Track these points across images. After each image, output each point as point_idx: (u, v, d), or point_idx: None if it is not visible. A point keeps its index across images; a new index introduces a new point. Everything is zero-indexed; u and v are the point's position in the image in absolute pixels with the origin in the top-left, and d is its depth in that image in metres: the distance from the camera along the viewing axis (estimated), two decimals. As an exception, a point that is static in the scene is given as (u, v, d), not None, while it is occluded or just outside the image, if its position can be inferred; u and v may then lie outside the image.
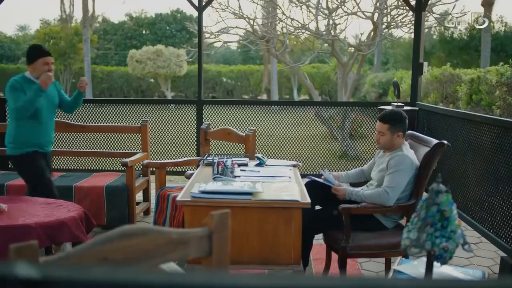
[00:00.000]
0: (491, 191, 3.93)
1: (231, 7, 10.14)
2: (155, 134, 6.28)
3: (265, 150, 6.34)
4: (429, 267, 1.76)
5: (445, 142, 3.06)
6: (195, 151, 6.08)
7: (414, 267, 2.17)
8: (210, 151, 4.48)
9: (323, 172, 3.38)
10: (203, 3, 6.04)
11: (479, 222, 4.15)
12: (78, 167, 6.27)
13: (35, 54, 3.80)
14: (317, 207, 3.33)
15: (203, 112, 6.09)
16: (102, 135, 6.18)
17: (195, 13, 6.24)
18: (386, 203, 2.98)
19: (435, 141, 3.10)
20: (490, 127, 3.97)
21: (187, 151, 6.41)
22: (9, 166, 6.07)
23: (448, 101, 10.07)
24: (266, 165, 3.55)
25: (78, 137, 6.39)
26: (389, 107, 5.40)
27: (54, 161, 6.32)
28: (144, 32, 33.28)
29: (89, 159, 6.38)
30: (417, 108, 5.56)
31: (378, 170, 3.20)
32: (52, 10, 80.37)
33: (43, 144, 3.90)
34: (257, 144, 5.88)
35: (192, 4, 5.98)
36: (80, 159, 6.36)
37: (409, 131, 3.49)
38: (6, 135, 3.88)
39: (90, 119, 6.37)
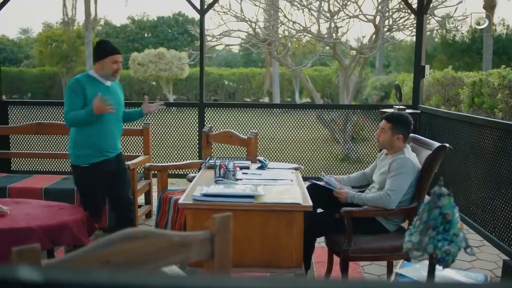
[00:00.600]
0: (494, 194, 3.92)
1: (233, 10, 10.15)
2: (157, 137, 6.29)
3: (267, 153, 6.34)
4: (431, 270, 1.75)
5: (447, 145, 3.06)
6: (197, 154, 6.09)
7: (416, 270, 2.17)
8: (212, 154, 4.48)
9: (323, 175, 3.38)
10: (205, 6, 6.06)
11: (481, 225, 4.14)
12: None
13: (104, 51, 3.46)
14: (319, 210, 3.32)
15: (205, 115, 6.10)
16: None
17: (197, 16, 6.26)
18: (388, 206, 2.98)
19: (437, 144, 3.09)
20: (492, 130, 3.97)
21: (189, 154, 6.41)
22: (11, 168, 6.09)
23: (450, 104, 10.06)
24: (268, 168, 3.55)
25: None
26: (391, 110, 5.39)
27: (57, 164, 6.34)
28: (146, 35, 33.39)
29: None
30: (419, 111, 5.55)
31: (380, 173, 3.20)
32: (54, 13, 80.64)
33: (106, 149, 3.50)
34: (259, 147, 5.87)
35: (194, 7, 5.99)
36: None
37: (411, 134, 3.49)
38: (69, 141, 3.59)
39: (92, 122, 6.38)
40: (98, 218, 3.60)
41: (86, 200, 3.56)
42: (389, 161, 3.13)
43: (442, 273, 1.93)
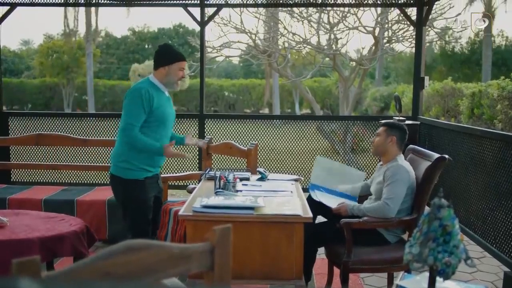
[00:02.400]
0: (494, 205, 3.92)
1: (233, 22, 10.22)
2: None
3: (267, 164, 6.34)
4: (431, 282, 1.75)
5: (447, 156, 3.06)
6: (197, 165, 6.09)
7: (417, 282, 2.16)
8: (212, 165, 4.48)
9: (311, 191, 3.40)
10: (205, 18, 6.10)
11: (482, 236, 4.13)
12: (80, 181, 6.28)
13: (172, 56, 3.21)
14: (321, 219, 3.33)
15: (205, 126, 6.11)
16: (104, 149, 6.18)
17: (197, 28, 6.29)
18: (388, 215, 2.98)
19: (436, 155, 3.10)
20: (491, 141, 3.97)
21: (189, 165, 6.41)
22: (11, 179, 6.09)
23: (450, 115, 10.09)
24: (268, 179, 3.55)
25: (80, 151, 6.40)
26: (391, 122, 5.41)
27: (56, 175, 6.33)
28: (146, 46, 33.53)
29: (91, 173, 6.39)
30: (418, 122, 5.56)
31: (376, 183, 3.22)
32: (55, 25, 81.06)
33: (160, 163, 3.31)
34: (259, 158, 5.87)
35: (195, 19, 6.03)
36: (82, 173, 6.37)
37: (411, 145, 3.50)
38: (115, 150, 3.23)
39: (92, 133, 6.40)
40: (148, 237, 3.22)
41: (137, 220, 3.20)
42: (383, 170, 3.15)
43: (442, 285, 1.93)
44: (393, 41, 10.22)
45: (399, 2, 5.97)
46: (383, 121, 3.38)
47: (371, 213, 3.03)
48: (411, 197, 3.09)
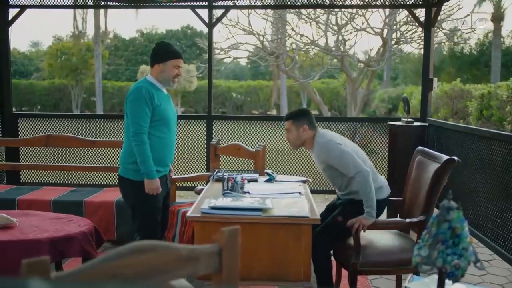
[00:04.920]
0: (503, 207, 3.89)
1: (240, 24, 10.24)
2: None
3: (274, 166, 6.34)
4: (440, 285, 1.74)
5: (456, 158, 3.04)
6: (205, 166, 6.09)
7: (426, 284, 2.15)
8: (220, 167, 4.49)
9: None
10: (213, 20, 6.11)
11: (491, 239, 4.10)
12: (88, 182, 6.31)
13: (167, 54, 3.23)
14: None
15: (213, 127, 6.12)
16: (113, 150, 6.21)
17: (205, 29, 6.30)
18: (368, 180, 2.95)
19: (445, 157, 3.08)
20: (501, 143, 3.95)
21: (197, 166, 6.42)
22: (20, 180, 6.13)
23: (459, 116, 10.03)
24: (276, 181, 3.55)
25: (89, 152, 6.43)
26: (398, 123, 5.39)
27: (65, 176, 6.37)
28: (154, 48, 33.58)
29: (99, 174, 6.42)
30: (427, 124, 5.54)
31: (322, 170, 3.25)
32: (65, 27, 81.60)
33: (168, 161, 3.30)
34: (267, 160, 5.87)
35: (202, 20, 6.04)
36: (91, 174, 6.39)
37: (419, 147, 3.48)
38: (123, 152, 3.24)
39: (101, 134, 6.42)
40: (157, 238, 3.19)
41: (145, 223, 3.20)
42: (316, 156, 3.20)
43: (451, 287, 1.92)
44: (401, 42, 10.19)
45: (408, 3, 5.95)
46: (285, 116, 3.30)
47: (365, 192, 2.96)
48: (360, 154, 3.11)
